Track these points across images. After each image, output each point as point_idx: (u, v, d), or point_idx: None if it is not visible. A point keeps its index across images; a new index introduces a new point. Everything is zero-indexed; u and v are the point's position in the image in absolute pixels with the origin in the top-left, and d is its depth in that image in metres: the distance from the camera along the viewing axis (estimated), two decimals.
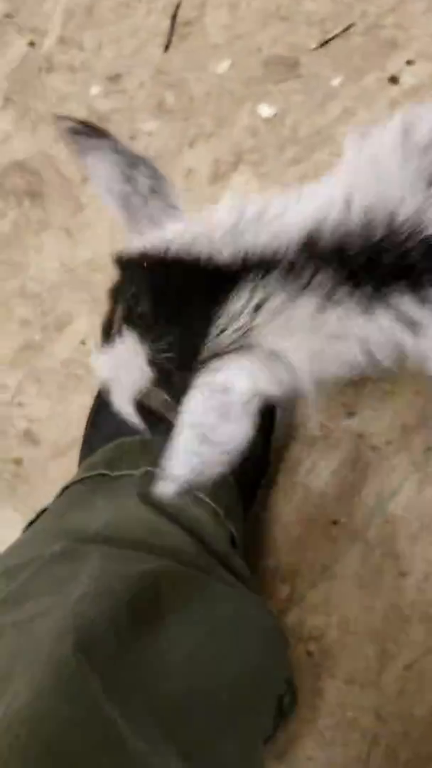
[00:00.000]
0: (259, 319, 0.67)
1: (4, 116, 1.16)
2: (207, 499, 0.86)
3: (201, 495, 0.85)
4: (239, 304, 0.67)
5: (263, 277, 0.66)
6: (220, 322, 0.67)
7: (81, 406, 1.14)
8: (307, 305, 0.65)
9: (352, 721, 1.06)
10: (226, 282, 0.67)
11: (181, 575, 0.73)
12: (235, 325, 0.67)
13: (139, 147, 1.13)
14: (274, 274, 0.66)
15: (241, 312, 0.67)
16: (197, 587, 0.73)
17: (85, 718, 0.56)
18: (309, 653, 1.06)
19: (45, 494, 1.15)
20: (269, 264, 0.67)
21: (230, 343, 0.68)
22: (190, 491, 0.67)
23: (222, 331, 0.67)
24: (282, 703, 0.85)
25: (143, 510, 0.81)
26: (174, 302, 0.69)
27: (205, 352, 0.68)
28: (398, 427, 1.07)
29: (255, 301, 0.66)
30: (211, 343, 0.68)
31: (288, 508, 1.08)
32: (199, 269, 0.68)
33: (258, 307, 0.67)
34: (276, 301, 0.66)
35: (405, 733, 1.05)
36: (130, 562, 0.71)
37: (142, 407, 0.75)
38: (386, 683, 1.05)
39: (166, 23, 1.13)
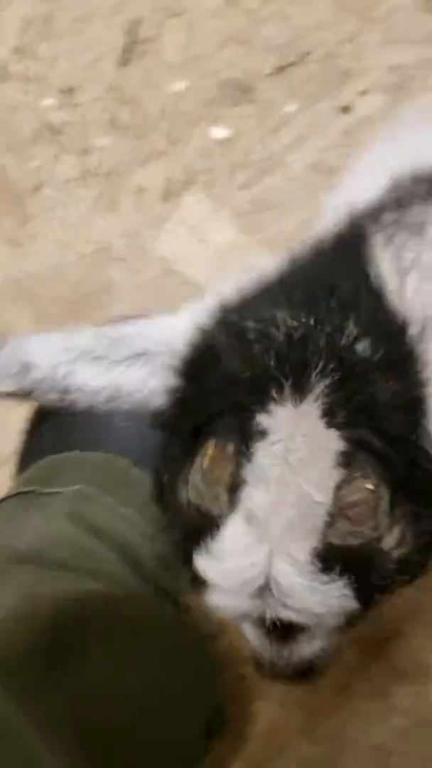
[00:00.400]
0: (414, 276, 0.50)
1: None
2: (140, 520, 0.85)
3: (135, 515, 0.85)
4: (386, 262, 0.51)
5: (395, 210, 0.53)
6: (388, 291, 0.49)
7: (21, 417, 1.12)
8: None
9: (283, 744, 1.05)
10: (355, 242, 0.53)
11: (109, 599, 0.72)
12: (403, 295, 0.49)
13: (91, 162, 1.12)
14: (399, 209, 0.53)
15: (394, 271, 0.50)
16: (125, 612, 0.73)
17: (4, 745, 0.55)
18: (242, 677, 1.06)
19: None
20: (393, 201, 0.54)
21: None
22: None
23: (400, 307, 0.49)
24: (210, 729, 0.85)
25: (74, 529, 0.79)
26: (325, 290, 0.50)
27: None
28: None
29: (393, 247, 0.51)
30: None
31: None
32: (324, 248, 0.54)
33: (400, 259, 0.51)
34: (414, 239, 0.51)
35: (336, 756, 1.05)
36: (57, 584, 0.70)
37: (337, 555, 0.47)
38: (317, 706, 1.05)
39: (124, 39, 1.13)
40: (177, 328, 0.52)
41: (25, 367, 0.51)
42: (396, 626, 1.03)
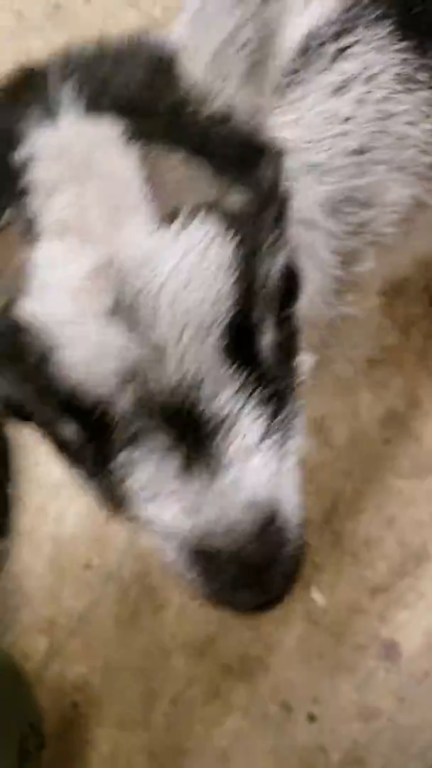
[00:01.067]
0: None
1: None
2: None
3: None
4: None
5: None
6: None
7: None
8: None
9: (126, 765, 1.04)
10: None
11: None
12: None
13: None
14: None
15: None
16: None
17: None
18: (75, 704, 1.04)
19: None
20: None
21: None
22: None
23: None
24: (25, 748, 0.82)
25: None
26: None
27: None
28: None
29: None
30: None
31: (38, 558, 1.06)
32: None
33: None
34: None
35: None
36: None
37: None
38: (155, 721, 1.04)
39: None
40: None
41: None
42: (221, 622, 1.03)
